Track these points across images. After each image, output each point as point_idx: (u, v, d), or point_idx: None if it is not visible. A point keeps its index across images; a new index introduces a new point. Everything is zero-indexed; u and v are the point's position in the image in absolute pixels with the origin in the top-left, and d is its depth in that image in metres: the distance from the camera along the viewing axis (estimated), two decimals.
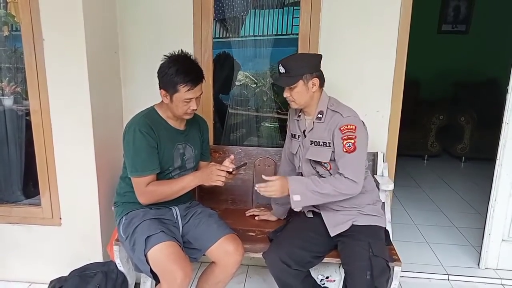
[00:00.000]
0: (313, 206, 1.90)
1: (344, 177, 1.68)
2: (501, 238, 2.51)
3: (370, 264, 1.63)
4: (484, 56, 4.94)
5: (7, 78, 2.40)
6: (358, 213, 1.81)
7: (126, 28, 2.31)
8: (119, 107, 2.37)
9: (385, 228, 1.88)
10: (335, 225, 1.80)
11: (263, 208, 2.21)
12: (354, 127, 1.70)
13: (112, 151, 2.15)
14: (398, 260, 1.80)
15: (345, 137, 1.69)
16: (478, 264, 2.57)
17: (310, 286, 1.88)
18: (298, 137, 1.90)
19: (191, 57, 1.77)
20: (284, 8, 2.83)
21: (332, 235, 1.80)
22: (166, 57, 1.74)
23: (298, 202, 1.71)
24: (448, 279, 2.46)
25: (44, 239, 2.23)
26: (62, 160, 2.11)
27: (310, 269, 1.85)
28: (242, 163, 1.92)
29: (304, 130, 1.85)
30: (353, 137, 1.69)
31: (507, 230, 2.50)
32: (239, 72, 2.96)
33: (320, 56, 1.82)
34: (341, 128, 1.70)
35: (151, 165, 1.73)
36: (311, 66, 1.76)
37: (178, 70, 1.67)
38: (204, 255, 1.84)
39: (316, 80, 1.75)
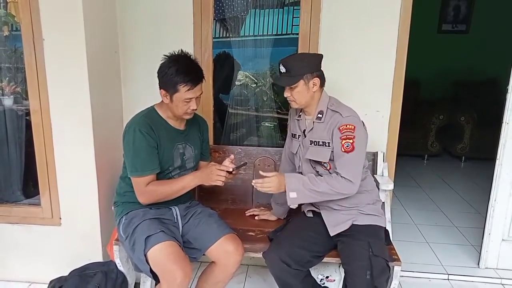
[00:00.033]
0: (313, 205, 1.91)
1: (341, 176, 1.69)
2: (501, 238, 2.51)
3: (370, 263, 1.63)
4: (484, 55, 4.94)
5: (7, 78, 2.40)
6: (358, 212, 1.81)
7: (126, 28, 2.31)
8: (119, 107, 2.37)
9: (385, 227, 1.88)
10: (335, 224, 1.80)
11: (263, 208, 2.21)
12: (353, 127, 1.70)
13: (112, 151, 2.15)
14: (398, 259, 1.80)
15: (344, 136, 1.69)
16: (478, 264, 2.57)
17: (310, 285, 1.88)
18: (298, 137, 1.90)
19: (191, 57, 1.77)
20: (284, 8, 2.83)
21: (332, 234, 1.80)
22: (166, 57, 1.74)
23: (294, 199, 1.72)
24: (448, 279, 2.46)
25: (44, 239, 2.23)
26: (62, 160, 2.11)
27: (310, 269, 1.85)
28: (242, 163, 1.92)
29: (304, 130, 1.85)
30: (352, 137, 1.69)
31: (507, 230, 2.50)
32: (239, 72, 2.96)
33: (320, 56, 1.82)
34: (340, 128, 1.70)
35: (151, 165, 1.74)
36: (312, 66, 1.76)
37: (178, 70, 1.67)
38: (204, 255, 1.84)
39: (316, 80, 1.75)
